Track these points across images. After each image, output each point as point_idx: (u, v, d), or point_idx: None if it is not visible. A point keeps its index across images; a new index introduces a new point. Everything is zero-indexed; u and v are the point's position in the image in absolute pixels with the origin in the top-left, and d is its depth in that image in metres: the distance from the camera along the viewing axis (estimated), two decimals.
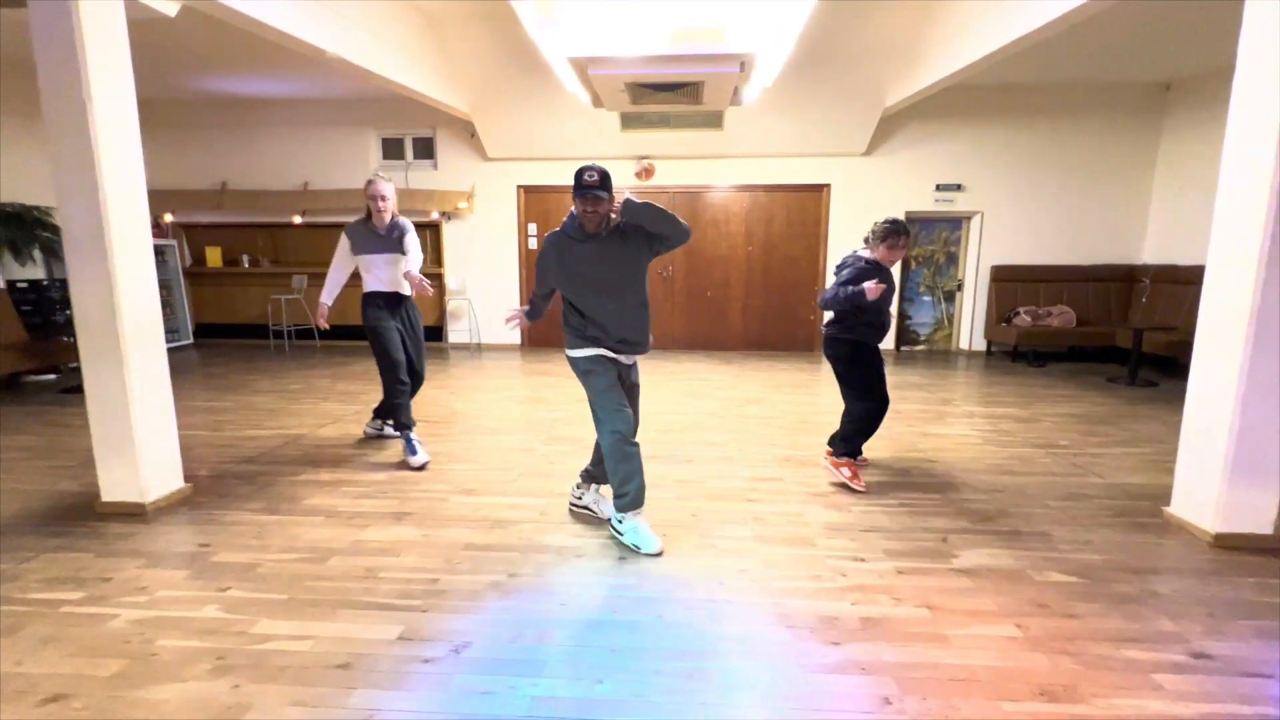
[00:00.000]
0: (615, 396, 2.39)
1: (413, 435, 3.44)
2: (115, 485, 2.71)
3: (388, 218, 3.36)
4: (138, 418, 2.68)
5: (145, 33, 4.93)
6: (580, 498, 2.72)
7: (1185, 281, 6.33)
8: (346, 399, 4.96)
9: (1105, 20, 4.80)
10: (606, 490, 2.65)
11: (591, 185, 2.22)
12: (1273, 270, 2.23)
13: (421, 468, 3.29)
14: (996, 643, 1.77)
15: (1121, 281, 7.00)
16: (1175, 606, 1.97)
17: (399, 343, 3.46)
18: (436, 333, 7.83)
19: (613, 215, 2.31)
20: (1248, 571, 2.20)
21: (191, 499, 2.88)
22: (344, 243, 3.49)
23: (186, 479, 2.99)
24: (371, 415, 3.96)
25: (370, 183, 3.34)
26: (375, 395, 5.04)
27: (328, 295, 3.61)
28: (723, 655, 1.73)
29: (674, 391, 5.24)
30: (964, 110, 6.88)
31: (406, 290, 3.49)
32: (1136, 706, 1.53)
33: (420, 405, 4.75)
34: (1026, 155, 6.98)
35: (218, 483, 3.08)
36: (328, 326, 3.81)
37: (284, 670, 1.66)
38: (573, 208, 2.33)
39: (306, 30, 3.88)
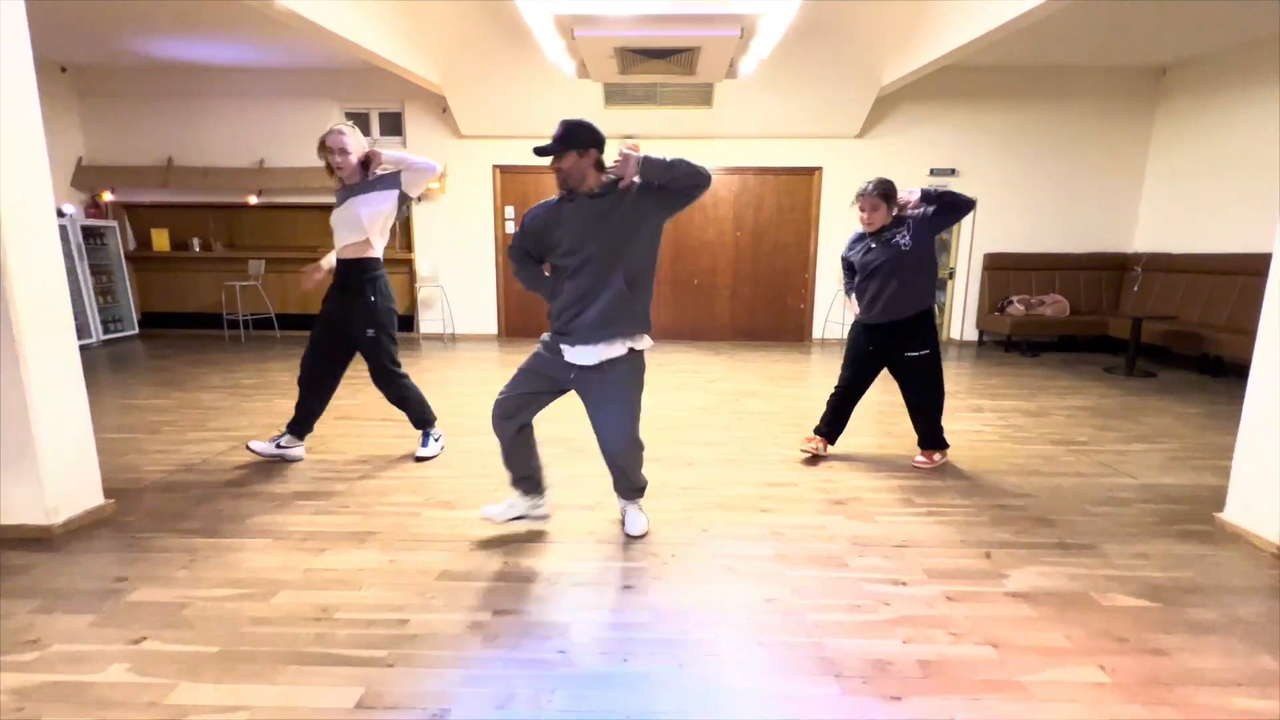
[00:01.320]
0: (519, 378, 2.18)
1: (294, 440, 3.09)
2: (15, 504, 2.26)
3: (347, 176, 2.81)
4: (41, 422, 2.23)
5: None
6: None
7: (1179, 270, 6.23)
8: None
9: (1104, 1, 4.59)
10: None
11: (542, 151, 1.97)
12: None
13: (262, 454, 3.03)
14: (1083, 691, 1.49)
15: (1113, 270, 6.89)
16: (1269, 636, 1.72)
17: (313, 343, 2.97)
18: (408, 322, 7.35)
19: (624, 180, 2.01)
20: None
21: (113, 519, 2.44)
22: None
23: (109, 494, 2.54)
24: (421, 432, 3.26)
25: (327, 134, 2.76)
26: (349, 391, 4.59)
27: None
28: None
29: (663, 384, 4.91)
30: (958, 92, 6.64)
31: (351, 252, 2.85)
32: None
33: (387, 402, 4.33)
34: (1020, 140, 6.79)
35: (147, 498, 2.64)
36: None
37: None
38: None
39: None
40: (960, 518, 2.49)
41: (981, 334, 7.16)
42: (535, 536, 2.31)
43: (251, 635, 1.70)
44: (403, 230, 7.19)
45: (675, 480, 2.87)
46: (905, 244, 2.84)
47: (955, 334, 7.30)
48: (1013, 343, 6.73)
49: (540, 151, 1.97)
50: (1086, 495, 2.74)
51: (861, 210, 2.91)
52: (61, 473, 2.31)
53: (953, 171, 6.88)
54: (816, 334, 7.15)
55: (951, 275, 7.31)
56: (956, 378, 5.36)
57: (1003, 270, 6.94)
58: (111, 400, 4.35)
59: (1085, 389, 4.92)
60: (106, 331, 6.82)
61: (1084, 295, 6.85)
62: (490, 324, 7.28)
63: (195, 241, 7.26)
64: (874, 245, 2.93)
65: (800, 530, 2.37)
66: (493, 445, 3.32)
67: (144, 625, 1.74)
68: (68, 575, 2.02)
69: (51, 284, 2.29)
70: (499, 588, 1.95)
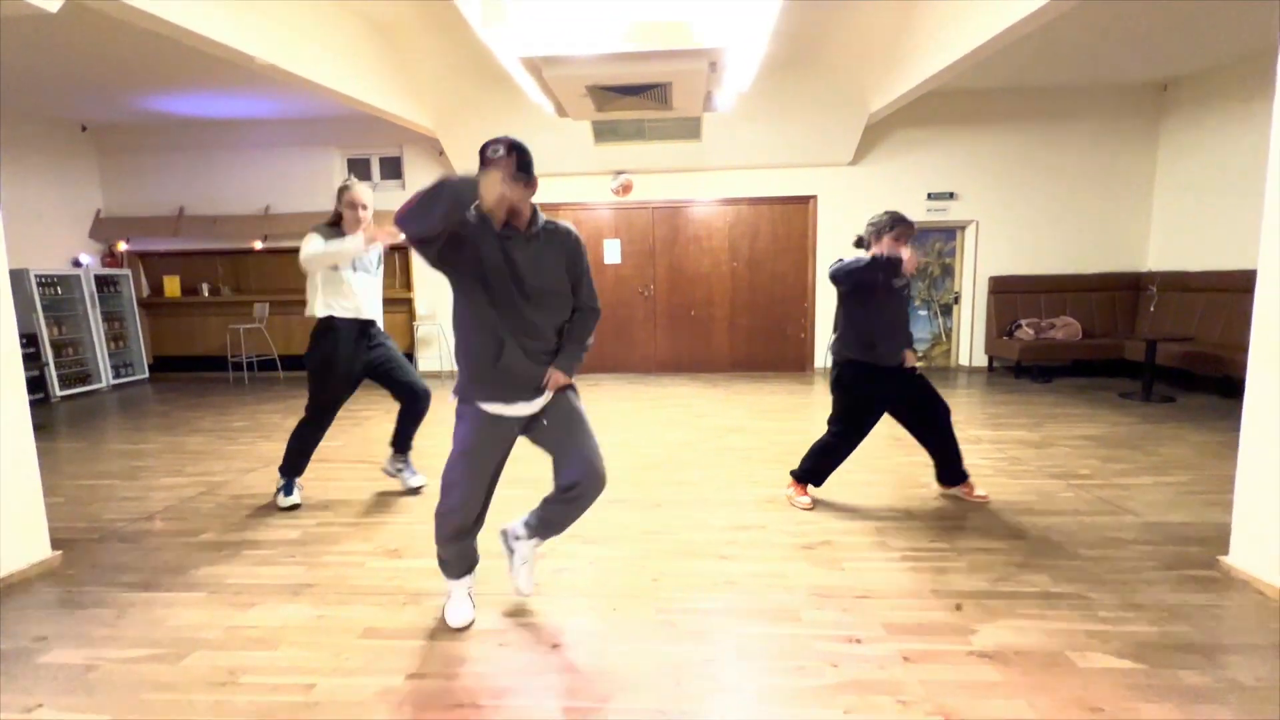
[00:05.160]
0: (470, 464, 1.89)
1: (296, 481, 3.13)
2: None
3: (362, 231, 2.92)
4: None
5: (71, 48, 4.56)
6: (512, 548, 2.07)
7: (1195, 289, 5.96)
8: None
9: (1094, 18, 4.50)
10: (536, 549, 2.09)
11: (493, 160, 1.67)
12: None
13: (289, 508, 3.03)
14: None
15: (1126, 290, 6.63)
16: (1271, 707, 1.51)
17: (340, 391, 3.02)
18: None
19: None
20: None
21: (57, 571, 2.41)
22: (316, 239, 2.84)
23: (60, 545, 2.52)
24: (392, 452, 3.32)
25: (347, 188, 2.87)
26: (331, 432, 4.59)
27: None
28: None
29: (648, 420, 4.79)
30: (953, 116, 6.57)
31: (375, 315, 3.07)
32: None
33: (367, 443, 4.30)
34: (1021, 161, 6.66)
35: (97, 549, 2.61)
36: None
37: None
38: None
39: (226, 33, 3.51)
40: (935, 564, 2.31)
41: (991, 360, 6.91)
42: (474, 589, 2.19)
43: (148, 703, 1.61)
44: (401, 270, 7.32)
45: (637, 524, 2.74)
46: (909, 292, 2.81)
47: (964, 360, 7.06)
48: (1023, 368, 6.47)
49: (495, 162, 1.67)
50: (1081, 537, 2.53)
51: (903, 242, 2.67)
52: (4, 526, 2.29)
53: (951, 195, 6.76)
54: (818, 363, 6.98)
55: (956, 300, 7.12)
56: (960, 406, 5.14)
57: (1009, 293, 6.73)
58: (100, 445, 4.40)
59: (1096, 417, 4.66)
60: (117, 376, 6.99)
61: (1097, 317, 6.58)
62: None
63: (204, 287, 7.48)
64: (892, 287, 2.74)
65: (758, 580, 2.21)
66: None
67: (45, 690, 1.67)
68: None
69: (2, 341, 2.31)
70: (420, 648, 1.83)
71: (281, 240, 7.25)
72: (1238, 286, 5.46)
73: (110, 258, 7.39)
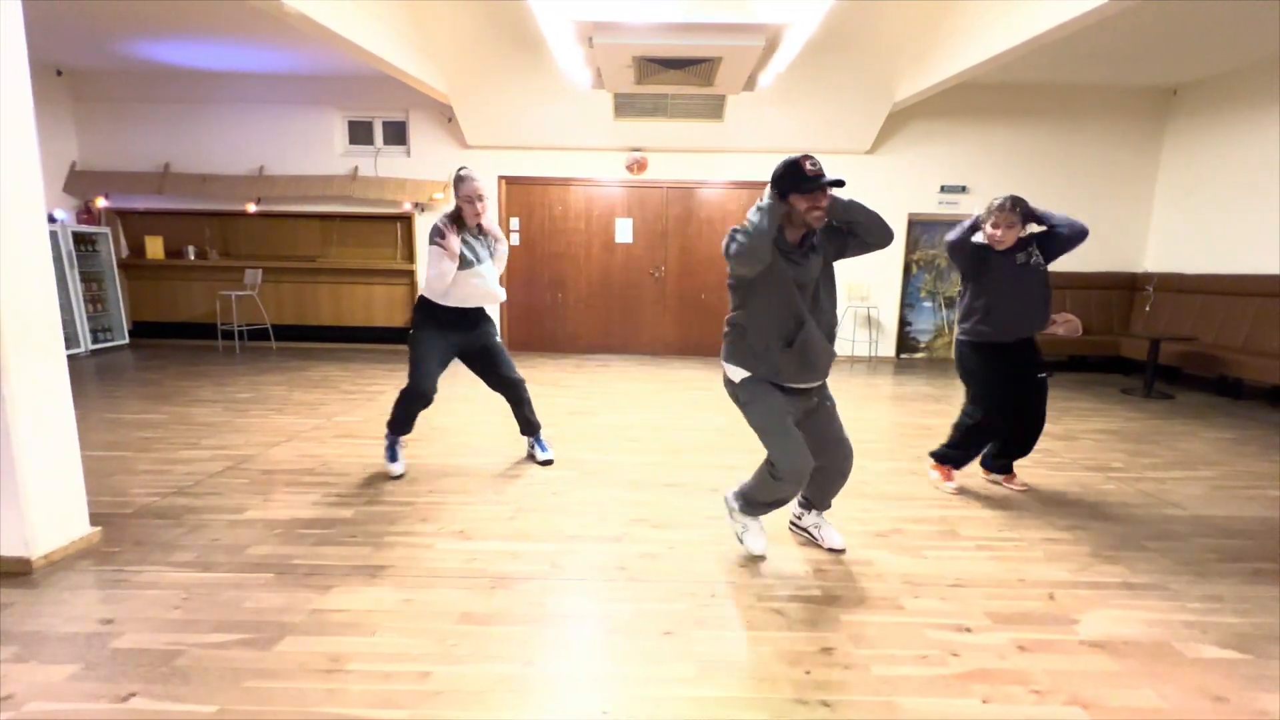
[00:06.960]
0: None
1: (400, 440, 3.13)
2: None
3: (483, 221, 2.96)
4: (23, 445, 2.04)
5: None
6: (799, 518, 2.46)
7: (1190, 290, 6.18)
8: (305, 411, 4.31)
9: (1118, 21, 4.56)
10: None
11: (818, 174, 1.88)
12: None
13: (398, 477, 3.03)
14: None
15: (1123, 289, 6.84)
16: None
17: (436, 356, 3.07)
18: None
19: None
20: None
21: (99, 549, 2.25)
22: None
23: (95, 521, 2.35)
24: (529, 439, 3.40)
25: (463, 180, 2.82)
26: (336, 406, 4.42)
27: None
28: None
29: (675, 402, 4.75)
30: (968, 109, 6.61)
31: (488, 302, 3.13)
32: None
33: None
34: (1030, 158, 6.76)
35: (136, 525, 2.44)
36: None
37: None
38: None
39: None
40: (1011, 553, 2.34)
41: None
42: (561, 571, 2.14)
43: (255, 691, 1.51)
44: (404, 241, 7.04)
45: (703, 510, 2.70)
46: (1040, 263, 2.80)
47: None
48: None
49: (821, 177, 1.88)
50: (1140, 528, 2.60)
51: (995, 228, 2.72)
52: (44, 500, 2.11)
53: (963, 189, 6.83)
54: None
55: (961, 295, 7.22)
56: None
57: None
58: (98, 415, 4.14)
59: (1106, 412, 4.81)
60: (95, 341, 6.59)
61: (1094, 315, 6.78)
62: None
63: (190, 249, 7.07)
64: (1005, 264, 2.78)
65: (846, 568, 2.20)
66: (499, 467, 3.21)
67: (132, 678, 1.55)
68: (47, 616, 1.82)
69: (41, 299, 2.11)
70: (526, 634, 1.77)
71: (276, 204, 6.90)
72: (1235, 290, 5.68)
73: (86, 214, 6.92)
